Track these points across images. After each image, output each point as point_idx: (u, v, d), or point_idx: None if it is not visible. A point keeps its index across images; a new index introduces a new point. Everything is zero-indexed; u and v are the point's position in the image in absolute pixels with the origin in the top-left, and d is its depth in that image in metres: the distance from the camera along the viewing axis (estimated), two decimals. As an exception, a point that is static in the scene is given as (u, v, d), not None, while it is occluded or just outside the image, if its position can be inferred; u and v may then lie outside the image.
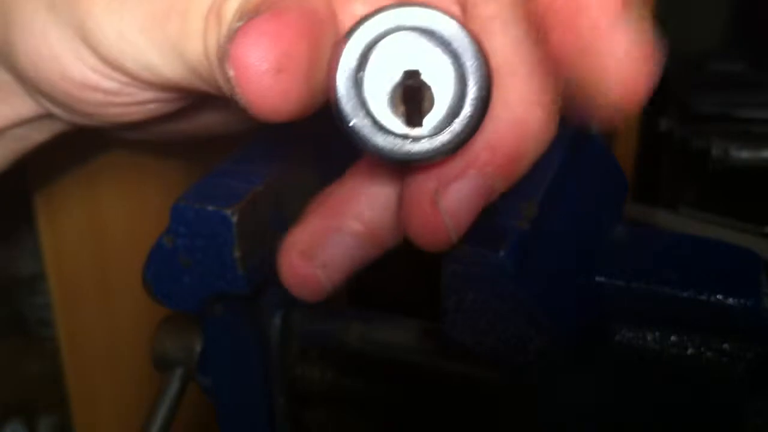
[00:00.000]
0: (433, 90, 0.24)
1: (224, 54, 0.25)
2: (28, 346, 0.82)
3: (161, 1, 0.30)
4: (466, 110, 0.24)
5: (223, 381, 0.43)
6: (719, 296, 0.35)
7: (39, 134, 0.40)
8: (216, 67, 0.28)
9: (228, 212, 0.36)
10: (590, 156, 0.40)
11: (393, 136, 0.24)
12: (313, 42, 0.24)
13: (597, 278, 0.36)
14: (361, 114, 0.24)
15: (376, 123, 0.24)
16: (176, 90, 0.34)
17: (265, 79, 0.24)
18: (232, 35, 0.24)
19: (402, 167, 0.27)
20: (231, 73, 0.24)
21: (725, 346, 0.35)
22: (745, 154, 0.81)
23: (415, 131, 0.24)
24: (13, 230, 0.72)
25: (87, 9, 0.31)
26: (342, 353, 0.43)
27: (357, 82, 0.24)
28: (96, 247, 0.65)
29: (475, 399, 0.41)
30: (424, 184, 0.29)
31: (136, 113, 0.36)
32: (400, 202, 0.30)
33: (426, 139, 0.24)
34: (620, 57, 0.25)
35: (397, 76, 0.24)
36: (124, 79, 0.33)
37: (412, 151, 0.24)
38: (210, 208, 0.36)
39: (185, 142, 0.45)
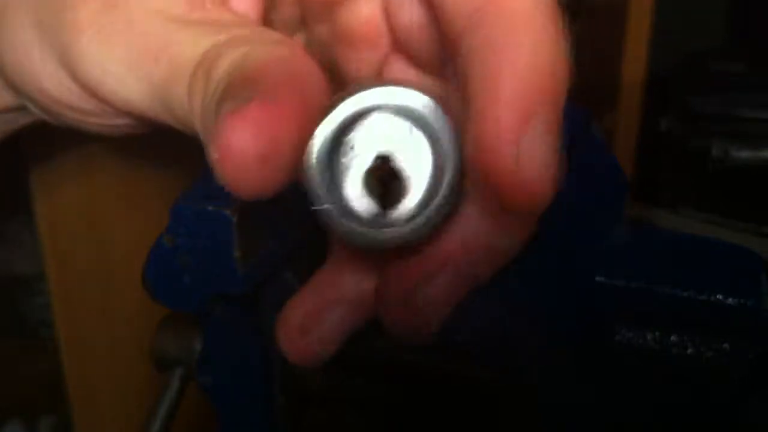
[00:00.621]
0: (409, 174, 0.23)
1: (208, 132, 0.24)
2: (28, 346, 0.82)
3: (151, 41, 0.29)
4: (442, 195, 0.23)
5: (223, 381, 0.43)
6: (719, 296, 0.35)
7: (25, 119, 0.40)
8: (199, 129, 0.27)
9: (228, 212, 0.36)
10: (590, 156, 0.40)
11: (363, 223, 0.23)
12: (303, 131, 0.23)
13: (597, 278, 0.36)
14: (332, 198, 0.23)
15: (346, 208, 0.23)
16: (154, 123, 0.33)
17: (249, 167, 0.23)
18: (219, 116, 0.23)
19: (374, 252, 0.26)
20: (215, 155, 0.24)
21: (725, 346, 0.35)
22: (744, 154, 0.81)
23: (388, 217, 0.23)
24: (13, 230, 0.72)
25: (73, 35, 0.31)
26: (342, 353, 0.43)
27: (330, 165, 0.23)
28: (96, 247, 0.65)
29: (475, 399, 0.41)
30: (397, 284, 0.29)
31: (115, 130, 0.36)
32: (375, 296, 0.30)
33: (398, 226, 0.23)
34: (517, 166, 0.24)
35: (371, 159, 0.23)
36: (101, 105, 0.33)
37: (382, 238, 0.23)
38: (210, 208, 0.36)
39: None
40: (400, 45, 0.31)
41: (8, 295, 0.81)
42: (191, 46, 0.28)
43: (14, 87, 0.35)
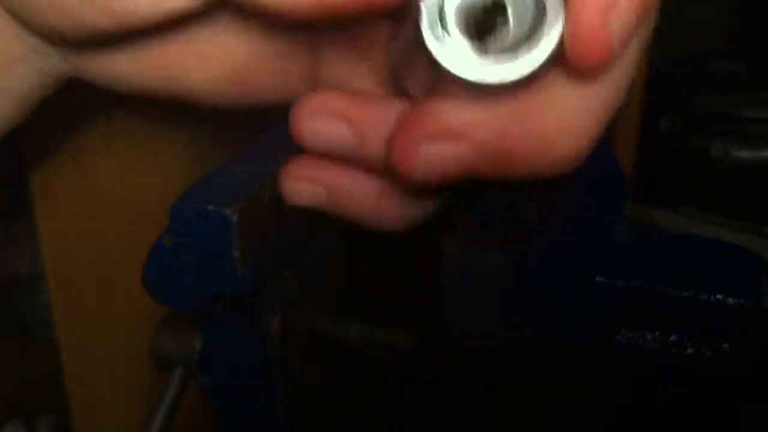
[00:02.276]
0: (513, 11, 0.25)
1: None
2: (28, 346, 0.82)
3: None
4: (545, 32, 0.25)
5: (223, 381, 0.43)
6: (719, 296, 0.35)
7: (35, 77, 0.38)
8: None
9: (228, 212, 0.36)
10: (590, 155, 0.40)
11: (471, 52, 0.25)
12: None
13: (597, 278, 0.36)
14: (440, 32, 0.25)
15: (460, 42, 0.25)
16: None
17: None
18: None
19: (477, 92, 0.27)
20: None
21: (725, 346, 0.35)
22: (744, 154, 0.81)
23: (492, 49, 0.25)
24: (13, 231, 0.72)
25: None
26: (342, 353, 0.43)
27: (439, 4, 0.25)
28: (96, 246, 0.65)
29: (475, 399, 0.41)
30: (409, 129, 0.29)
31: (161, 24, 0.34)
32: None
33: (502, 61, 0.25)
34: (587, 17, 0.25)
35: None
36: None
37: (487, 71, 0.25)
38: (210, 208, 0.36)
39: (176, 105, 0.43)
40: None
41: (8, 295, 0.81)
42: None
43: (30, 18, 0.34)
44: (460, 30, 0.25)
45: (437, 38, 0.24)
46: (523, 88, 0.26)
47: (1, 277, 0.80)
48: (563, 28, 0.24)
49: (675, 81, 0.90)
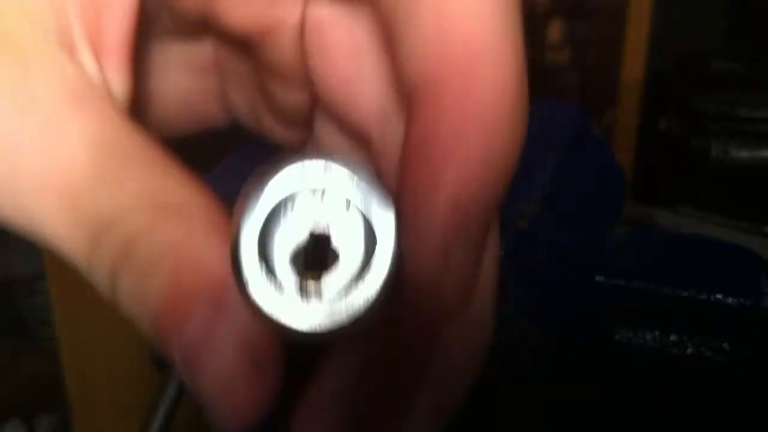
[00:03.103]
0: (343, 251, 0.22)
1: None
2: (28, 346, 0.82)
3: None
4: (375, 274, 0.21)
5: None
6: (719, 296, 0.35)
7: None
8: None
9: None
10: (590, 156, 0.40)
11: (292, 297, 0.21)
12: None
13: (597, 278, 0.36)
14: (265, 282, 0.21)
15: (278, 286, 0.21)
16: None
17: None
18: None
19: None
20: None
21: (725, 345, 0.35)
22: (744, 154, 0.81)
23: (320, 292, 0.22)
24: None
25: None
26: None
27: (262, 251, 0.21)
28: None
29: (475, 399, 0.41)
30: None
31: None
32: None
33: (330, 303, 0.21)
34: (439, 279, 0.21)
35: (304, 238, 0.22)
36: None
37: (310, 320, 0.21)
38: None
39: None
40: (324, 103, 0.27)
41: (8, 295, 0.81)
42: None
43: None
44: (284, 268, 0.21)
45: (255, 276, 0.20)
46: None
47: (1, 277, 0.80)
48: (396, 267, 0.20)
49: (675, 81, 0.90)
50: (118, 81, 0.24)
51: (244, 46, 0.28)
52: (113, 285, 0.22)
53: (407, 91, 0.22)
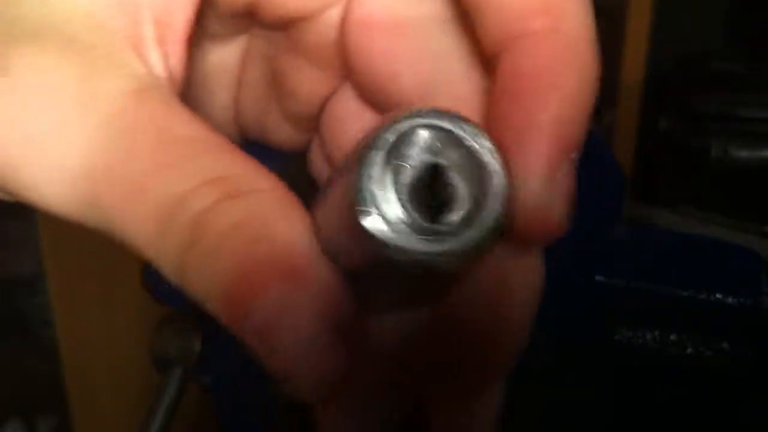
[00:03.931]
0: (458, 187, 0.23)
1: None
2: (29, 346, 0.82)
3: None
4: (490, 211, 0.23)
5: (223, 381, 0.43)
6: (719, 295, 0.35)
7: None
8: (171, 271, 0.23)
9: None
10: (589, 155, 0.40)
11: (415, 233, 0.22)
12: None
13: (597, 278, 0.36)
14: (386, 213, 0.22)
15: (400, 220, 0.22)
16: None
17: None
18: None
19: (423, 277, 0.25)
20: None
21: (725, 345, 0.35)
22: (744, 153, 0.81)
23: (438, 228, 0.23)
24: (13, 230, 0.73)
25: None
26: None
27: (382, 182, 0.23)
28: (96, 246, 0.65)
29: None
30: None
31: None
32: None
33: (448, 238, 0.22)
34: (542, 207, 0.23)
35: (421, 172, 0.23)
36: None
37: (434, 251, 0.22)
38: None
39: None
40: (355, 81, 0.28)
41: (8, 294, 0.81)
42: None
43: None
44: (404, 202, 0.22)
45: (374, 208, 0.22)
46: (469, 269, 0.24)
47: (1, 277, 0.80)
48: (506, 202, 0.22)
49: (675, 81, 0.90)
50: (179, 70, 0.25)
51: (280, 29, 0.29)
52: (182, 268, 0.22)
53: (492, 54, 0.24)
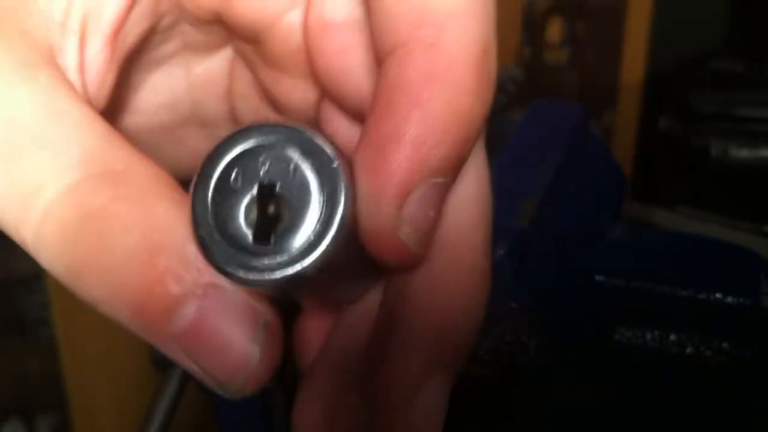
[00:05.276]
0: (297, 208, 0.22)
1: None
2: (28, 345, 0.82)
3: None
4: (332, 230, 0.22)
5: (223, 381, 0.43)
6: (718, 295, 0.35)
7: None
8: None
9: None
10: (589, 155, 0.40)
11: (250, 254, 0.22)
12: None
13: (597, 278, 0.36)
14: (221, 234, 0.22)
15: (236, 241, 0.22)
16: None
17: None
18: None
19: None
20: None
21: (725, 345, 0.35)
22: (744, 153, 0.81)
23: (277, 249, 0.22)
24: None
25: None
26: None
27: (216, 205, 0.22)
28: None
29: (475, 399, 0.41)
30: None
31: None
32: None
33: (288, 258, 0.22)
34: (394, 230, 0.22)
35: (255, 192, 0.22)
36: None
37: (270, 274, 0.22)
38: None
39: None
40: (326, 87, 0.27)
41: (8, 294, 0.81)
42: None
43: None
44: (240, 226, 0.21)
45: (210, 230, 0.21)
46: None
47: (1, 277, 0.80)
48: (347, 221, 0.21)
49: (674, 81, 0.90)
50: (97, 63, 0.24)
51: (253, 43, 0.28)
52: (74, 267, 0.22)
53: (380, 59, 0.22)
